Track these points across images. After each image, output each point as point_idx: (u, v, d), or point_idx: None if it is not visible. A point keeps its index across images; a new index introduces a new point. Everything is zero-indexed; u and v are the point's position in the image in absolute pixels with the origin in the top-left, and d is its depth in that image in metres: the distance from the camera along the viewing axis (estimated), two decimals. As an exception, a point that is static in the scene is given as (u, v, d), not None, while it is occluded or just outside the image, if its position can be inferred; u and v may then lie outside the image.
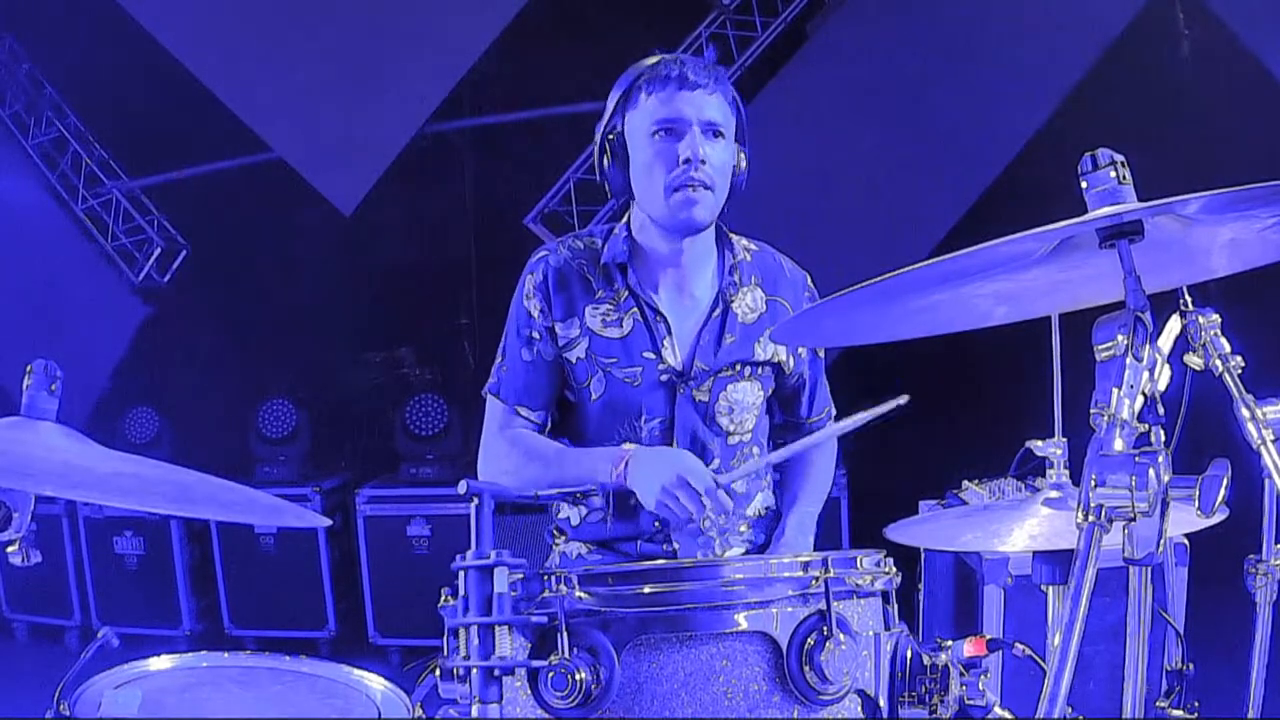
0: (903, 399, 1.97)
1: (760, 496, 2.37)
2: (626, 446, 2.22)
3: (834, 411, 2.50)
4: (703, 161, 2.17)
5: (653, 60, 2.25)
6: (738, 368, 2.30)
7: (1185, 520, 1.43)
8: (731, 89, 2.25)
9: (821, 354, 2.46)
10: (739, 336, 2.31)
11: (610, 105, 2.27)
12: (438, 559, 5.16)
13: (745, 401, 2.31)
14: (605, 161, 2.27)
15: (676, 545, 2.26)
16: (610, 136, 2.25)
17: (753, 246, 2.39)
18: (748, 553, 2.32)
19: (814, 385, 2.45)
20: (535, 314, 2.30)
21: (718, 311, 2.30)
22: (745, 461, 2.31)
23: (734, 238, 2.36)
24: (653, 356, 2.28)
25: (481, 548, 1.55)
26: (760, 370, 2.33)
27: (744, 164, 2.26)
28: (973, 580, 3.31)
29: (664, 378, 2.27)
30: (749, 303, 2.33)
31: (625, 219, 2.34)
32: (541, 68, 5.68)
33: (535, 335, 2.31)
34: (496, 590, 1.53)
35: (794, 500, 2.40)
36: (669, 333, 2.28)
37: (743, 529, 2.33)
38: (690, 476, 2.10)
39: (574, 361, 2.29)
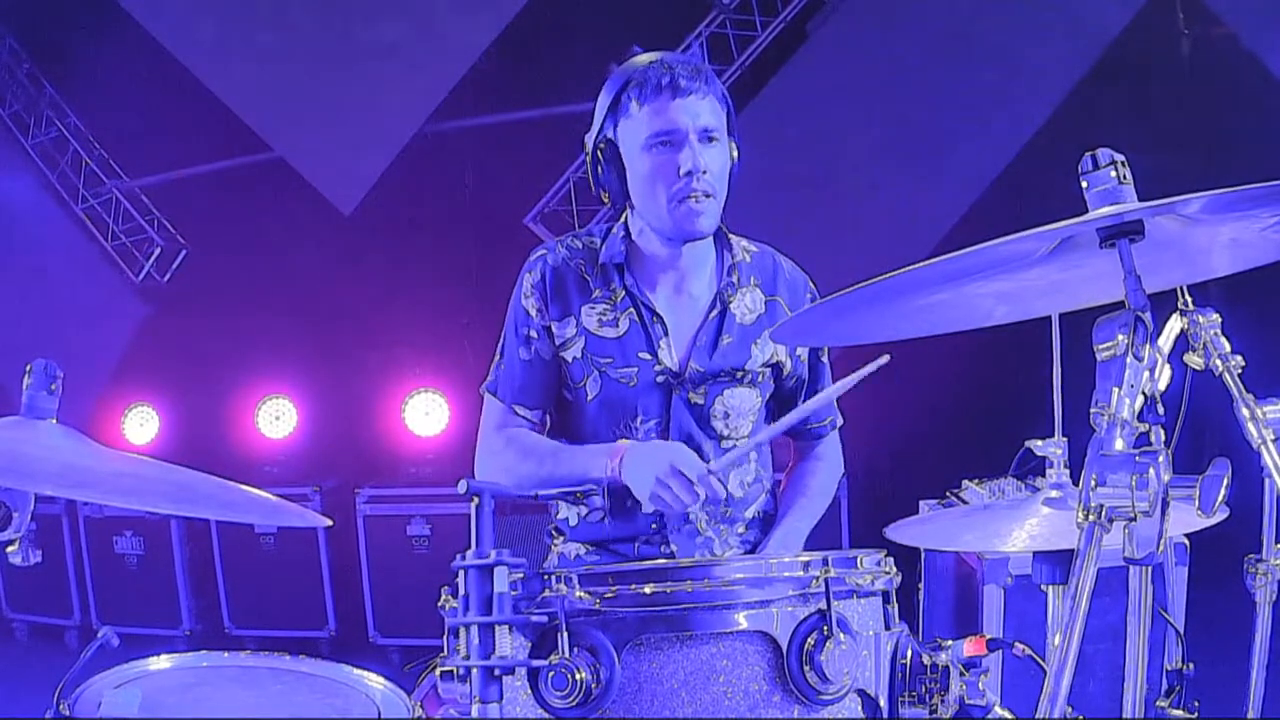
0: (884, 359, 1.96)
1: (761, 499, 2.36)
2: (621, 443, 2.21)
3: (839, 421, 2.47)
4: (704, 171, 2.16)
5: (639, 63, 2.21)
6: (736, 374, 2.28)
7: (1185, 520, 1.43)
8: (719, 84, 2.23)
9: (826, 359, 2.42)
10: (736, 337, 2.29)
11: (599, 113, 2.25)
12: (438, 559, 5.15)
13: (742, 407, 2.29)
14: (599, 170, 2.25)
15: (674, 546, 2.25)
16: (602, 145, 2.23)
17: (753, 248, 2.37)
18: (745, 554, 2.31)
19: (814, 392, 2.39)
20: (533, 313, 2.30)
21: (715, 312, 2.29)
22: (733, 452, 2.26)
23: (733, 238, 2.34)
24: (649, 357, 2.27)
25: (481, 547, 1.55)
26: (759, 376, 2.31)
27: (735, 154, 2.24)
28: (973, 580, 3.31)
29: (660, 379, 2.26)
30: (748, 303, 2.32)
31: (623, 219, 2.33)
32: (541, 68, 5.67)
33: (533, 334, 2.30)
34: (497, 590, 1.53)
35: (785, 514, 2.37)
36: (666, 334, 2.27)
37: (740, 530, 2.33)
38: (683, 465, 2.09)
39: (570, 361, 2.28)
